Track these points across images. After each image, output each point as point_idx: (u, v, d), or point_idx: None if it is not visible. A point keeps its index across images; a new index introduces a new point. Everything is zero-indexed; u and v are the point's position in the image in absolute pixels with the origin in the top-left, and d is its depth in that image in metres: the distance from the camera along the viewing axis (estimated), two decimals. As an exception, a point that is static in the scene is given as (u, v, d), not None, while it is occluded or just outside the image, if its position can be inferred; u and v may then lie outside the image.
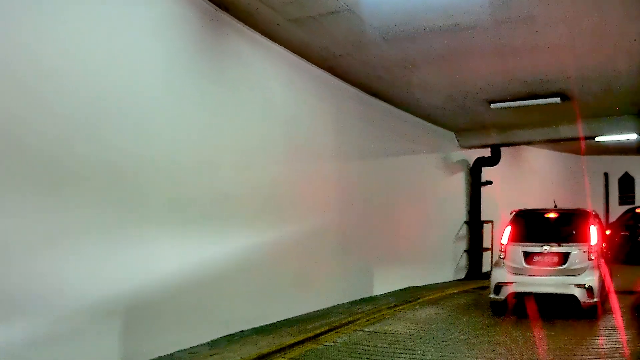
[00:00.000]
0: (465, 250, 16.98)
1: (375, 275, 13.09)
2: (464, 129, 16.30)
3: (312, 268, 10.89)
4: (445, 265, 16.23)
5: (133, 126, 7.20)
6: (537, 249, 10.24)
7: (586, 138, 15.96)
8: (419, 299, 12.67)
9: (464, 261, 17.02)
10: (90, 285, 6.46)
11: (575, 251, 10.02)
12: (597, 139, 17.30)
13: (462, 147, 16.79)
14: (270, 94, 9.93)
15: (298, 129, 10.67)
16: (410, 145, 14.73)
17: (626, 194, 26.77)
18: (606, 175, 27.11)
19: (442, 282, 15.62)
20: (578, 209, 11.40)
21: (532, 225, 11.07)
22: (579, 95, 12.30)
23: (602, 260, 10.28)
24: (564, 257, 10.03)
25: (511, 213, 11.44)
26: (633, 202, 25.56)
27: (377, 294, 12.96)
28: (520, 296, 10.35)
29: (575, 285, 9.79)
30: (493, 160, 16.84)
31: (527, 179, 21.38)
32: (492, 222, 17.02)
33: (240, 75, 9.16)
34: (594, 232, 10.25)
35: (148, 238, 7.32)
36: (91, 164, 6.59)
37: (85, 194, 6.51)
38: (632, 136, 16.03)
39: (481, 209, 17.09)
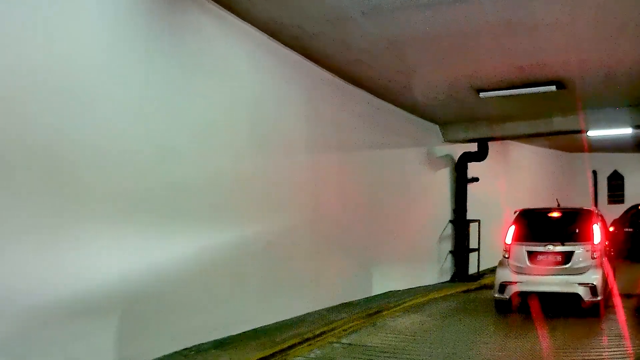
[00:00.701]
0: (450, 251, 16.14)
1: (354, 279, 12.21)
2: (449, 121, 15.45)
3: (283, 271, 9.98)
4: (429, 267, 15.38)
5: (72, 106, 6.25)
6: (540, 249, 10.38)
7: (580, 132, 15.22)
8: (401, 304, 11.80)
9: (449, 263, 16.17)
10: (13, 290, 5.51)
11: (579, 250, 10.18)
12: (589, 133, 16.58)
13: (447, 141, 15.93)
14: (234, 74, 9.01)
15: (266, 115, 9.77)
16: (391, 139, 13.84)
17: (615, 193, 26.45)
18: (595, 173, 26.65)
19: (426, 286, 14.76)
20: (581, 208, 11.49)
21: (535, 225, 11.16)
22: (576, 83, 11.51)
23: (605, 259, 10.45)
24: (568, 256, 10.18)
25: (514, 212, 11.57)
26: (622, 201, 25.26)
27: (356, 299, 12.06)
28: (524, 295, 10.50)
29: (579, 284, 9.93)
30: (480, 155, 16.01)
31: (514, 176, 20.64)
32: (478, 221, 16.19)
33: (200, 52, 8.22)
34: (596, 231, 10.40)
35: (86, 237, 6.37)
36: (21, 149, 5.67)
37: (13, 184, 5.60)
38: (627, 130, 15.38)
39: (467, 207, 16.21)
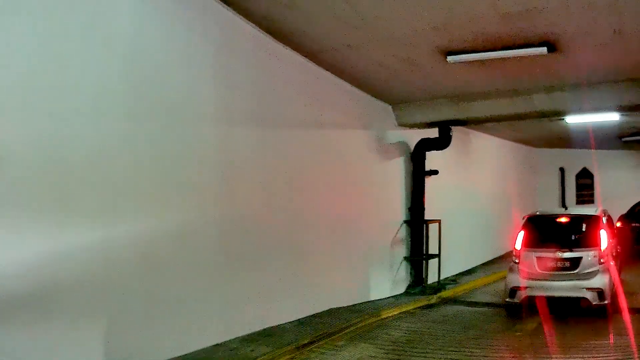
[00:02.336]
0: (405, 257, 13.82)
1: (280, 295, 9.71)
2: (404, 100, 13.11)
3: (175, 290, 7.47)
4: (379, 277, 12.99)
5: None
6: (549, 255, 10.70)
7: (563, 115, 13.10)
8: (344, 329, 9.45)
9: (403, 271, 13.84)
10: None
11: (586, 256, 10.52)
12: (569, 119, 14.71)
13: (402, 125, 13.62)
14: (107, 11, 6.48)
15: (153, 74, 7.34)
16: (333, 117, 11.47)
17: (584, 192, 25.13)
18: (562, 170, 25.48)
19: (376, 300, 12.44)
20: (589, 213, 11.70)
21: (544, 231, 11.45)
22: (572, 46, 9.36)
23: (612, 263, 10.89)
24: (576, 262, 10.54)
25: (523, 218, 11.86)
26: (592, 201, 24.05)
27: (285, 322, 9.60)
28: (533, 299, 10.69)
29: (587, 288, 10.32)
30: (441, 142, 13.71)
31: (478, 170, 18.52)
32: (439, 221, 13.93)
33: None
34: (604, 236, 10.73)
35: None
36: None
37: None
38: (613, 117, 13.76)
39: (425, 204, 13.91)
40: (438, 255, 13.95)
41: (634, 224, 18.57)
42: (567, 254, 10.63)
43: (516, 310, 10.84)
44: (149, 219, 7.16)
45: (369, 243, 12.56)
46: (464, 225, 16.82)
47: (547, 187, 24.89)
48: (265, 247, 9.41)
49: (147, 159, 7.27)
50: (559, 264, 10.65)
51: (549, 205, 23.55)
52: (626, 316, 10.16)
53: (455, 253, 15.76)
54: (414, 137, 13.97)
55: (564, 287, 10.53)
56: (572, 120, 15.14)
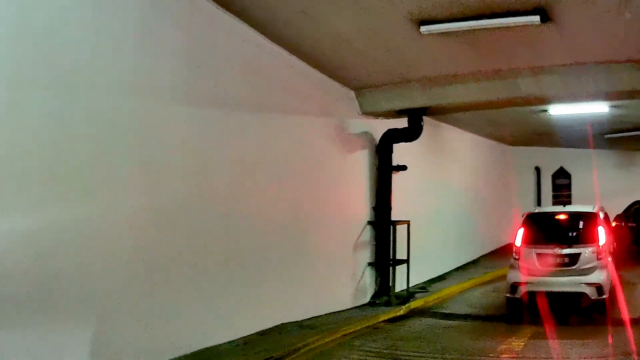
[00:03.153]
0: (369, 263, 12.44)
1: (218, 308, 8.26)
2: (369, 84, 11.72)
3: (72, 307, 5.94)
4: (339, 286, 11.63)
5: None
6: (549, 251, 10.94)
7: (547, 103, 11.83)
8: (295, 351, 8.01)
9: (368, 278, 12.47)
10: None
11: (585, 252, 10.81)
12: (553, 111, 13.59)
13: (366, 113, 12.23)
14: None
15: (44, 31, 5.79)
16: (285, 101, 10.11)
17: (561, 192, 24.37)
18: (538, 170, 24.63)
19: (336, 313, 11.04)
20: (587, 210, 11.86)
21: (543, 228, 11.72)
22: (569, 13, 8.06)
23: (610, 259, 11.18)
24: (575, 258, 10.79)
25: (523, 215, 12.17)
26: (570, 202, 22.80)
27: (221, 342, 8.12)
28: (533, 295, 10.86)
29: (586, 284, 10.60)
30: (410, 133, 12.34)
31: (450, 167, 17.30)
32: (408, 222, 12.57)
33: None
34: (602, 233, 11.02)
35: None
36: None
37: None
38: (602, 109, 13.07)
39: (392, 203, 12.53)
40: (407, 261, 12.61)
41: (630, 224, 18.28)
42: (566, 250, 10.89)
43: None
44: (35, 214, 5.64)
45: (327, 246, 11.14)
46: (436, 227, 15.54)
47: (522, 187, 23.89)
48: (198, 250, 7.94)
49: (32, 136, 5.75)
50: (558, 260, 10.87)
51: (524, 205, 22.54)
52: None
53: (426, 257, 14.42)
54: (379, 127, 12.61)
55: (563, 283, 10.77)
56: (557, 111, 14.13)
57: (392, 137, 12.40)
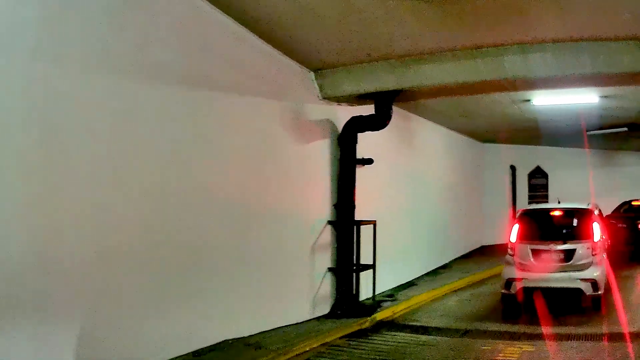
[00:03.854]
0: (330, 269, 11.07)
1: (142, 324, 6.81)
2: (331, 63, 10.34)
3: None
4: (295, 295, 10.27)
5: None
6: (543, 247, 11.08)
7: (536, 86, 10.54)
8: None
9: (328, 285, 11.09)
10: None
11: (580, 248, 10.91)
12: (537, 101, 12.70)
13: (327, 97, 10.85)
14: None
15: None
16: (229, 77, 8.73)
17: (538, 192, 23.70)
18: (513, 168, 23.62)
19: (291, 327, 9.69)
20: (581, 207, 11.98)
21: (538, 224, 11.85)
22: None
23: (605, 255, 11.41)
24: (570, 254, 10.89)
25: (517, 212, 12.50)
26: (547, 202, 22.30)
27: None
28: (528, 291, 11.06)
29: (580, 279, 10.74)
30: (377, 121, 10.99)
31: (422, 163, 15.99)
32: (374, 222, 11.25)
33: None
34: (596, 229, 11.18)
35: None
36: None
37: None
38: (591, 99, 12.28)
39: (356, 201, 11.15)
40: (372, 265, 11.26)
41: (620, 225, 17.62)
42: (562, 246, 11.03)
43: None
44: None
45: (279, 250, 9.74)
46: (405, 228, 14.30)
47: (496, 187, 22.85)
48: (110, 253, 6.48)
49: None
50: (554, 256, 11.00)
51: (498, 206, 22.21)
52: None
53: (394, 261, 13.23)
54: (343, 115, 11.22)
55: (558, 279, 10.90)
56: (541, 102, 12.97)
57: (357, 125, 11.01)
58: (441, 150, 17.99)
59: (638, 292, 12.93)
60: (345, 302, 11.01)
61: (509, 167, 23.35)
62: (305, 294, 10.44)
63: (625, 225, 17.55)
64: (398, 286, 13.65)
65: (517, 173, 23.49)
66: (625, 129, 16.59)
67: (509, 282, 11.21)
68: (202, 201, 8.00)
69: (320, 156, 10.93)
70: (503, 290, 11.40)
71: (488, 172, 22.62)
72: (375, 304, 11.47)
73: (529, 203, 22.79)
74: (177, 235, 7.60)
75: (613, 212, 19.43)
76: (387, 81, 10.11)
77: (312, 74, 10.64)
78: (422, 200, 15.59)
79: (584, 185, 19.82)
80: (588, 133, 17.68)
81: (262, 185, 9.36)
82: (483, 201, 22.20)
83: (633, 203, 19.94)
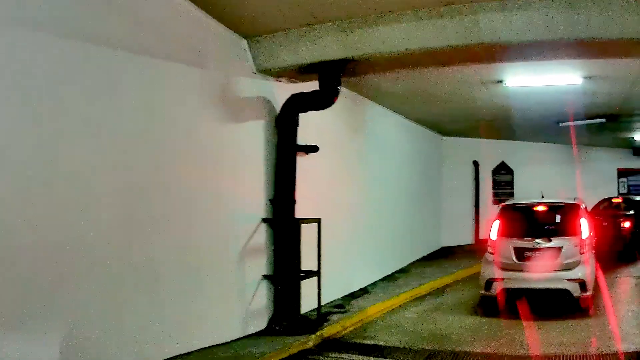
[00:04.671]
0: (266, 276, 9.36)
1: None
2: (267, 29, 8.67)
3: None
4: (221, 308, 8.50)
5: None
6: (527, 244, 10.54)
7: (516, 56, 8.85)
8: None
9: (264, 296, 9.38)
10: None
11: (567, 245, 10.37)
12: (510, 82, 11.53)
13: (263, 71, 9.19)
14: None
15: None
16: (138, 38, 7.05)
17: (503, 190, 22.59)
18: (476, 164, 22.20)
19: (216, 348, 7.99)
20: (567, 201, 11.43)
21: (521, 219, 11.24)
22: None
23: (593, 252, 10.80)
24: (556, 252, 10.38)
25: (499, 206, 11.77)
26: (512, 199, 20.56)
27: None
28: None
29: (568, 279, 10.17)
30: (322, 98, 9.27)
31: (375, 154, 14.33)
32: (318, 220, 9.57)
33: None
34: (584, 225, 10.59)
35: None
36: None
37: None
38: (575, 80, 11.07)
39: (296, 195, 9.50)
40: (317, 272, 9.56)
41: (603, 223, 16.33)
42: (546, 244, 10.46)
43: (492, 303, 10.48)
44: None
45: (200, 253, 8.00)
46: (356, 227, 12.71)
47: (458, 183, 21.52)
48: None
49: None
50: (538, 254, 10.44)
51: (459, 204, 21.19)
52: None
53: (343, 265, 11.68)
54: (281, 93, 9.52)
55: (543, 279, 10.35)
56: (515, 82, 11.56)
57: (298, 104, 9.28)
58: (398, 141, 16.39)
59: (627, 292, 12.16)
60: (285, 315, 9.32)
61: (471, 163, 22.00)
62: (235, 307, 8.72)
63: (607, 224, 16.53)
64: (349, 294, 12.03)
65: (481, 169, 22.17)
66: (603, 120, 15.37)
67: (489, 283, 10.68)
68: (90, 196, 6.26)
69: (253, 141, 9.20)
70: (482, 292, 10.87)
71: (449, 167, 21.24)
72: (321, 317, 9.82)
73: (493, 202, 21.86)
74: (53, 234, 5.83)
75: (592, 209, 17.99)
76: (333, 48, 8.40)
77: (244, 42, 8.97)
78: (376, 196, 13.98)
79: (553, 182, 18.59)
80: (561, 125, 16.50)
81: (178, 175, 7.62)
82: (444, 199, 20.85)
83: (613, 200, 19.36)
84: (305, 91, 9.29)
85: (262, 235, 9.21)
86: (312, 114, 9.68)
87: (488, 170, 22.47)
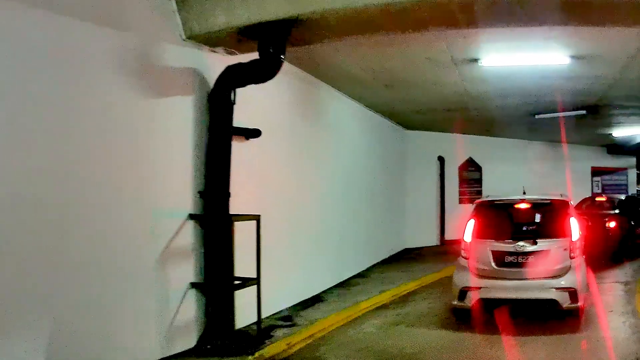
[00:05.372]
0: (195, 284, 7.87)
1: None
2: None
3: None
4: (135, 323, 6.98)
5: None
6: (508, 248, 9.42)
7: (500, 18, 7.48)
8: None
9: (192, 308, 7.88)
10: None
11: (555, 248, 9.37)
12: (488, 60, 10.23)
13: (193, 37, 7.69)
14: None
15: None
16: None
17: (470, 187, 21.90)
18: (441, 160, 21.28)
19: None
20: (555, 198, 10.17)
21: (501, 219, 10.12)
22: None
23: (584, 257, 9.74)
24: (542, 256, 9.31)
25: (474, 203, 10.68)
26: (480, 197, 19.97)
27: None
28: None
29: (556, 288, 9.11)
30: (263, 68, 7.73)
31: (330, 145, 12.92)
32: (257, 217, 8.16)
33: None
34: (574, 225, 9.57)
35: None
36: None
37: None
38: (563, 60, 9.90)
39: (231, 187, 8.04)
40: (257, 279, 8.10)
41: (588, 223, 15.21)
42: (530, 247, 9.36)
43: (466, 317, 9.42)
44: None
45: (104, 257, 6.45)
46: (308, 226, 11.36)
47: (422, 180, 20.53)
48: None
49: None
50: (521, 259, 9.35)
51: (424, 203, 20.24)
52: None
53: (292, 270, 10.33)
54: (217, 65, 8.02)
55: (526, 288, 9.24)
56: (493, 62, 10.33)
57: (234, 77, 7.82)
58: (359, 133, 15.06)
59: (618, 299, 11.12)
60: (219, 331, 7.87)
61: (436, 159, 21.00)
62: (153, 322, 7.20)
63: (592, 224, 15.63)
64: (299, 304, 10.66)
65: (446, 165, 21.14)
66: (584, 112, 14.50)
67: (464, 292, 9.51)
68: None
69: (181, 121, 7.69)
70: (455, 302, 9.65)
71: (413, 164, 20.11)
72: (264, 332, 8.47)
73: (460, 200, 21.40)
74: None
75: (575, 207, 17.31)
76: (274, 6, 6.94)
77: (172, 3, 7.45)
78: (331, 192, 12.63)
79: (523, 180, 17.38)
80: (537, 117, 15.60)
81: (83, 158, 6.12)
82: (407, 197, 19.69)
83: (597, 199, 18.86)
84: (242, 62, 7.83)
85: (189, 235, 7.70)
86: (256, 94, 8.40)
87: (455, 167, 21.54)
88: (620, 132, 19.97)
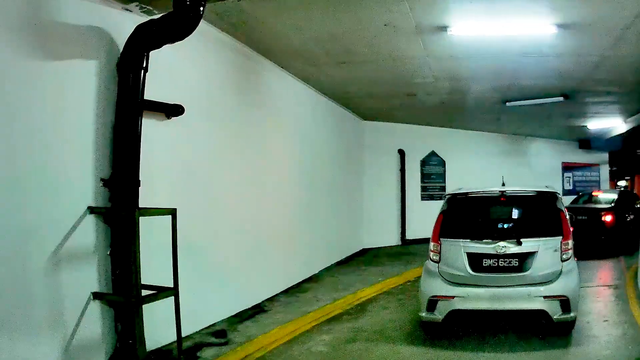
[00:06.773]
0: (98, 294, 6.53)
1: None
2: None
3: None
4: (15, 345, 5.55)
5: None
6: (487, 249, 8.22)
7: None
8: None
9: (97, 324, 6.57)
10: None
11: (543, 249, 8.18)
12: (454, 29, 8.95)
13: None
14: None
15: None
16: None
17: (432, 182, 21.07)
18: (402, 153, 20.31)
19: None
20: (540, 190, 8.95)
21: (477, 214, 9.00)
22: None
23: (575, 259, 8.62)
24: (527, 259, 8.14)
25: (445, 196, 9.38)
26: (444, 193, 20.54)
27: None
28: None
29: (545, 297, 8.00)
30: (178, 23, 6.36)
31: (274, 131, 11.70)
32: (173, 212, 6.81)
33: None
34: (565, 222, 8.48)
35: None
36: None
37: None
38: (550, 29, 8.75)
39: (140, 173, 6.79)
40: (174, 288, 6.80)
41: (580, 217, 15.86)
42: (514, 248, 8.20)
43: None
44: None
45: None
46: (249, 222, 10.15)
47: (381, 174, 19.57)
48: None
49: None
50: (502, 262, 8.21)
51: (383, 199, 19.33)
52: None
53: (227, 275, 9.12)
54: (130, 25, 6.69)
55: (509, 296, 8.10)
56: (464, 31, 9.14)
57: (146, 37, 6.51)
58: (310, 121, 13.89)
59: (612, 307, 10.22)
60: (131, 352, 6.53)
61: (396, 152, 20.03)
62: (41, 343, 5.86)
63: (585, 218, 16.04)
64: (237, 315, 9.45)
65: (407, 159, 20.19)
66: (561, 99, 13.68)
67: (433, 302, 8.32)
68: None
69: (81, 91, 6.39)
70: (423, 314, 8.43)
71: (371, 157, 19.16)
72: (187, 353, 7.15)
73: (422, 197, 20.63)
74: None
75: (570, 204, 17.82)
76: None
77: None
78: (276, 186, 11.45)
79: (490, 175, 16.59)
80: (508, 104, 14.80)
81: None
82: (365, 193, 18.71)
83: (593, 194, 18.79)
84: (154, 18, 6.60)
85: (90, 233, 6.39)
86: (179, 63, 7.37)
87: (416, 161, 20.67)
88: (595, 124, 19.42)
